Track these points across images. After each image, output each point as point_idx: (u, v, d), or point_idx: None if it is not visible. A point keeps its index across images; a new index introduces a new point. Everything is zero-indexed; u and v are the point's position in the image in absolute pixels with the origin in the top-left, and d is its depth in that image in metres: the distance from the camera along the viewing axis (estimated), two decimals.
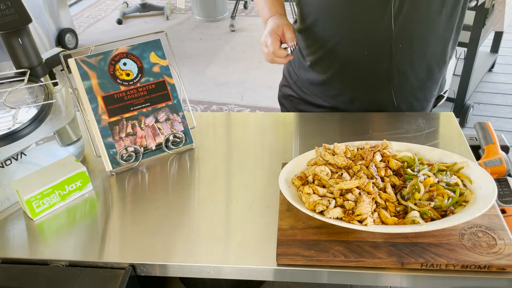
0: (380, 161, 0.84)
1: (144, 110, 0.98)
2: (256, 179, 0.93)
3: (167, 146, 1.01)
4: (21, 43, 0.90)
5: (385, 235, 0.74)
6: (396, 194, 0.79)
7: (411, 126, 1.06)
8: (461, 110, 2.68)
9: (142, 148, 0.98)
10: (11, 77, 0.94)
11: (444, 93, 1.23)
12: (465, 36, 2.42)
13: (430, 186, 0.77)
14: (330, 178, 0.81)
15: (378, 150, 0.86)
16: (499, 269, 0.69)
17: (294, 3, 1.14)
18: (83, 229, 0.83)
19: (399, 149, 0.89)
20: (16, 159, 0.87)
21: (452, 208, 0.75)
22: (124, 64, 0.96)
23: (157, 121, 0.99)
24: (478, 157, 1.03)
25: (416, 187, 0.77)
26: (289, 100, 1.28)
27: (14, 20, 0.87)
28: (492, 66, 3.30)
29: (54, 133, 0.94)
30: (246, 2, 4.93)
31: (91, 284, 0.72)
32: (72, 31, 3.89)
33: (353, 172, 0.82)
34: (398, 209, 0.77)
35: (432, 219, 0.74)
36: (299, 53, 1.18)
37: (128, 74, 0.96)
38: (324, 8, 1.04)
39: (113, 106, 0.95)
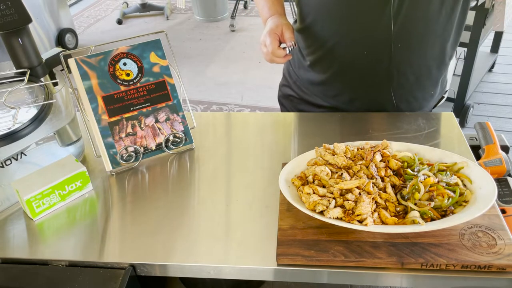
0: (380, 161, 0.84)
1: (144, 110, 0.98)
2: (256, 179, 0.93)
3: (167, 146, 1.01)
4: (21, 43, 0.90)
5: (385, 235, 0.74)
6: (396, 194, 0.79)
7: (411, 126, 1.06)
8: (461, 110, 2.68)
9: (142, 148, 0.98)
10: (11, 77, 0.94)
11: (444, 93, 1.23)
12: (465, 36, 2.42)
13: (430, 186, 0.77)
14: (330, 178, 0.81)
15: (378, 150, 0.86)
16: (499, 269, 0.69)
17: (294, 3, 1.14)
18: (83, 229, 0.83)
19: (399, 149, 0.89)
20: (16, 159, 0.87)
21: (452, 208, 0.75)
22: (124, 64, 0.96)
23: (157, 121, 0.99)
24: (478, 157, 1.03)
25: (416, 187, 0.77)
26: (289, 100, 1.28)
27: (14, 20, 0.87)
28: (492, 66, 3.30)
29: (54, 133, 0.94)
30: (246, 2, 4.93)
31: (91, 284, 0.72)
32: (72, 31, 3.89)
33: (353, 172, 0.82)
34: (398, 209, 0.77)
35: (432, 219, 0.74)
36: (299, 53, 1.19)
37: (128, 74, 0.96)
38: (323, 8, 1.04)
39: (113, 106, 0.95)
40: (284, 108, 1.32)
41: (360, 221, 0.74)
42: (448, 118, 1.09)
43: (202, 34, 4.33)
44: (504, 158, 0.98)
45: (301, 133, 1.09)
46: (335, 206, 0.76)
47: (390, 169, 0.83)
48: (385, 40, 1.01)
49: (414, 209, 0.75)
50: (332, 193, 0.79)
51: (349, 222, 0.73)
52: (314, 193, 0.79)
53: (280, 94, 1.32)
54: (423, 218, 0.74)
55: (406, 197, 0.78)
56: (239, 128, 1.13)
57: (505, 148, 1.02)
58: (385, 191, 0.79)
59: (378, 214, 0.75)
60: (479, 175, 0.79)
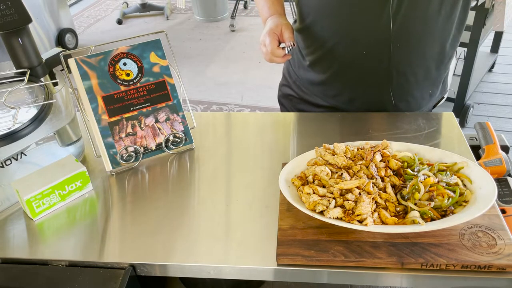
0: (380, 161, 0.84)
1: (144, 110, 0.98)
2: (256, 179, 0.93)
3: (167, 146, 1.01)
4: (21, 43, 0.90)
5: (385, 235, 0.74)
6: (396, 194, 0.79)
7: (411, 126, 1.06)
8: (461, 110, 2.68)
9: (142, 148, 0.98)
10: (11, 77, 0.94)
11: (445, 93, 1.23)
12: (465, 36, 2.42)
13: (430, 186, 0.77)
14: (330, 178, 0.81)
15: (378, 150, 0.86)
16: (499, 269, 0.69)
17: (294, 3, 1.14)
18: (83, 229, 0.83)
19: (399, 149, 0.89)
20: (16, 159, 0.87)
21: (452, 208, 0.75)
22: (124, 64, 0.96)
23: (157, 121, 0.99)
24: (478, 157, 1.03)
25: (416, 187, 0.77)
26: (288, 99, 1.28)
27: (14, 20, 0.87)
28: (492, 66, 3.30)
29: (54, 133, 0.94)
30: (246, 2, 4.93)
31: (91, 284, 0.72)
32: (72, 31, 3.89)
33: (353, 172, 0.82)
34: (398, 209, 0.77)
35: (432, 219, 0.74)
36: (298, 53, 1.19)
37: (128, 74, 0.96)
38: (323, 8, 1.04)
39: (113, 106, 0.95)
40: (284, 108, 1.32)
41: (360, 221, 0.74)
42: (448, 118, 1.09)
43: (202, 34, 4.33)
44: (504, 158, 0.98)
45: (301, 133, 1.09)
46: (335, 206, 0.76)
47: (390, 169, 0.83)
48: (385, 40, 1.01)
49: (414, 209, 0.75)
50: (332, 193, 0.79)
51: (349, 222, 0.73)
52: (314, 193, 0.79)
53: (280, 94, 1.32)
54: (423, 218, 0.74)
55: (406, 197, 0.78)
56: (239, 128, 1.13)
57: (505, 148, 1.02)
58: (385, 191, 0.79)
59: (378, 214, 0.75)
60: (479, 175, 0.79)
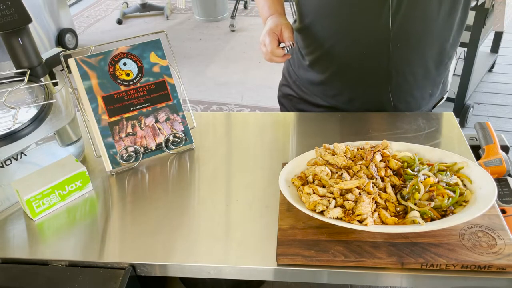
0: (380, 161, 0.84)
1: (144, 110, 0.98)
2: (256, 179, 0.93)
3: (167, 146, 1.01)
4: (21, 43, 0.90)
5: (385, 235, 0.74)
6: (396, 194, 0.79)
7: (411, 126, 1.06)
8: (461, 110, 2.68)
9: (142, 148, 0.98)
10: (11, 77, 0.94)
11: (445, 93, 1.23)
12: (465, 36, 2.42)
13: (430, 186, 0.77)
14: (330, 178, 0.81)
15: (378, 150, 0.86)
16: (499, 269, 0.69)
17: (294, 3, 1.14)
18: (83, 229, 0.83)
19: (399, 149, 0.89)
20: (16, 159, 0.87)
21: (452, 208, 0.75)
22: (124, 64, 0.96)
23: (157, 121, 0.99)
24: (478, 157, 1.03)
25: (416, 187, 0.77)
26: (288, 99, 1.28)
27: (14, 20, 0.87)
28: (492, 66, 3.30)
29: (54, 133, 0.94)
30: (246, 2, 4.93)
31: (91, 284, 0.72)
32: (72, 31, 3.89)
33: (353, 172, 0.82)
34: (398, 209, 0.77)
35: (432, 219, 0.74)
36: (298, 53, 1.19)
37: (128, 74, 0.96)
38: (322, 8, 1.05)
39: (113, 106, 0.95)
40: (284, 107, 1.32)
41: (360, 221, 0.74)
42: (448, 118, 1.09)
43: (202, 34, 4.33)
44: (504, 158, 0.98)
45: (301, 133, 1.09)
46: (335, 206, 0.76)
47: (390, 169, 0.83)
48: (384, 39, 1.01)
49: (414, 209, 0.75)
50: (332, 193, 0.79)
51: (349, 222, 0.73)
52: (314, 193, 0.79)
53: (280, 93, 1.32)
54: (423, 218, 0.74)
55: (406, 197, 0.78)
56: (239, 128, 1.13)
57: (505, 148, 1.02)
58: (385, 191, 0.79)
59: (378, 214, 0.75)
60: (479, 175, 0.79)
